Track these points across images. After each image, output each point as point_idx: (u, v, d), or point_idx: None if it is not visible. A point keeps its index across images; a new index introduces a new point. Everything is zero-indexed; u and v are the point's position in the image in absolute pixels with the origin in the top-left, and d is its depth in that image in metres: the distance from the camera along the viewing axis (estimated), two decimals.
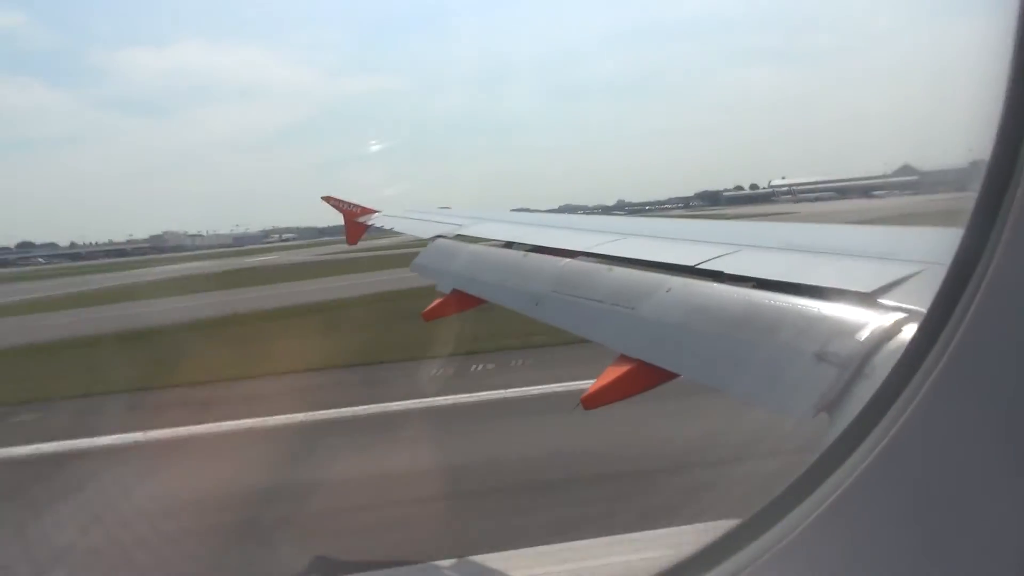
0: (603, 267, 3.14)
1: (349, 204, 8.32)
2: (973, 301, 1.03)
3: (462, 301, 4.26)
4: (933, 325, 1.14)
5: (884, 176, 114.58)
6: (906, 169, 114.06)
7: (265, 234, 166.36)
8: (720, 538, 1.42)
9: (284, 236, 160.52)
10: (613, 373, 2.50)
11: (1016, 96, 1.00)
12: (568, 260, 3.52)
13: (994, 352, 1.03)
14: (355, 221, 8.08)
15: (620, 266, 3.07)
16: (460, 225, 5.44)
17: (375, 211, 8.11)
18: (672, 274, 2.71)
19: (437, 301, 4.45)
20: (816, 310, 1.93)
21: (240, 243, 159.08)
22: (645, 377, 2.44)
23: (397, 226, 6.97)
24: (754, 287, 2.29)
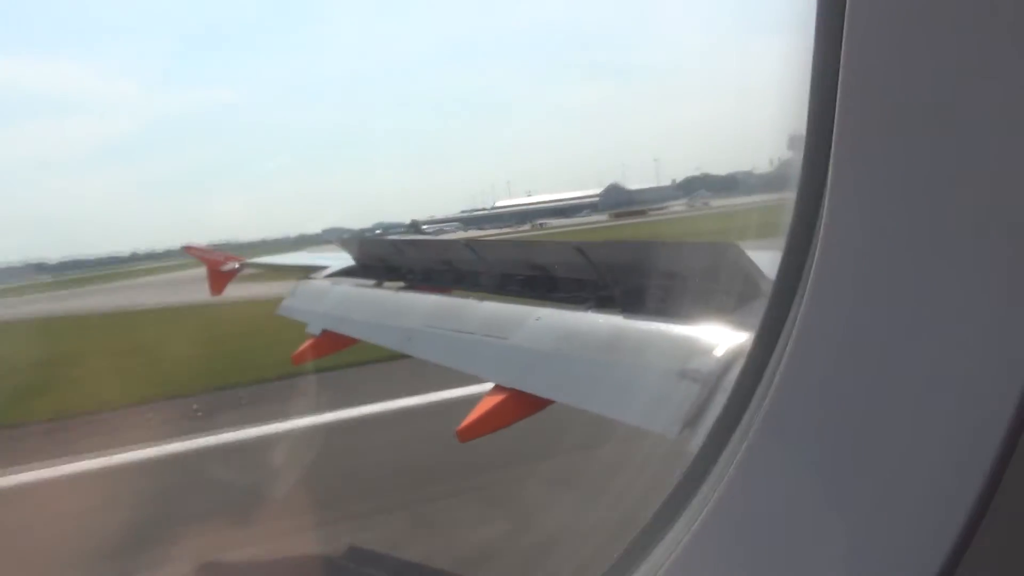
0: (474, 301, 3.14)
1: (211, 252, 7.52)
2: (800, 308, 1.07)
3: (333, 342, 4.11)
4: (768, 334, 1.17)
5: (593, 196, 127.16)
6: (612, 188, 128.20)
7: None
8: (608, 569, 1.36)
9: None
10: (488, 404, 2.47)
11: (820, 101, 1.03)
12: (440, 296, 3.44)
13: (821, 355, 1.07)
14: (219, 270, 7.27)
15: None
16: (328, 266, 5.07)
17: (239, 259, 7.42)
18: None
19: (307, 343, 4.16)
20: (677, 331, 2.10)
21: None
22: (520, 406, 2.45)
23: (267, 269, 6.66)
24: (620, 313, 2.46)
